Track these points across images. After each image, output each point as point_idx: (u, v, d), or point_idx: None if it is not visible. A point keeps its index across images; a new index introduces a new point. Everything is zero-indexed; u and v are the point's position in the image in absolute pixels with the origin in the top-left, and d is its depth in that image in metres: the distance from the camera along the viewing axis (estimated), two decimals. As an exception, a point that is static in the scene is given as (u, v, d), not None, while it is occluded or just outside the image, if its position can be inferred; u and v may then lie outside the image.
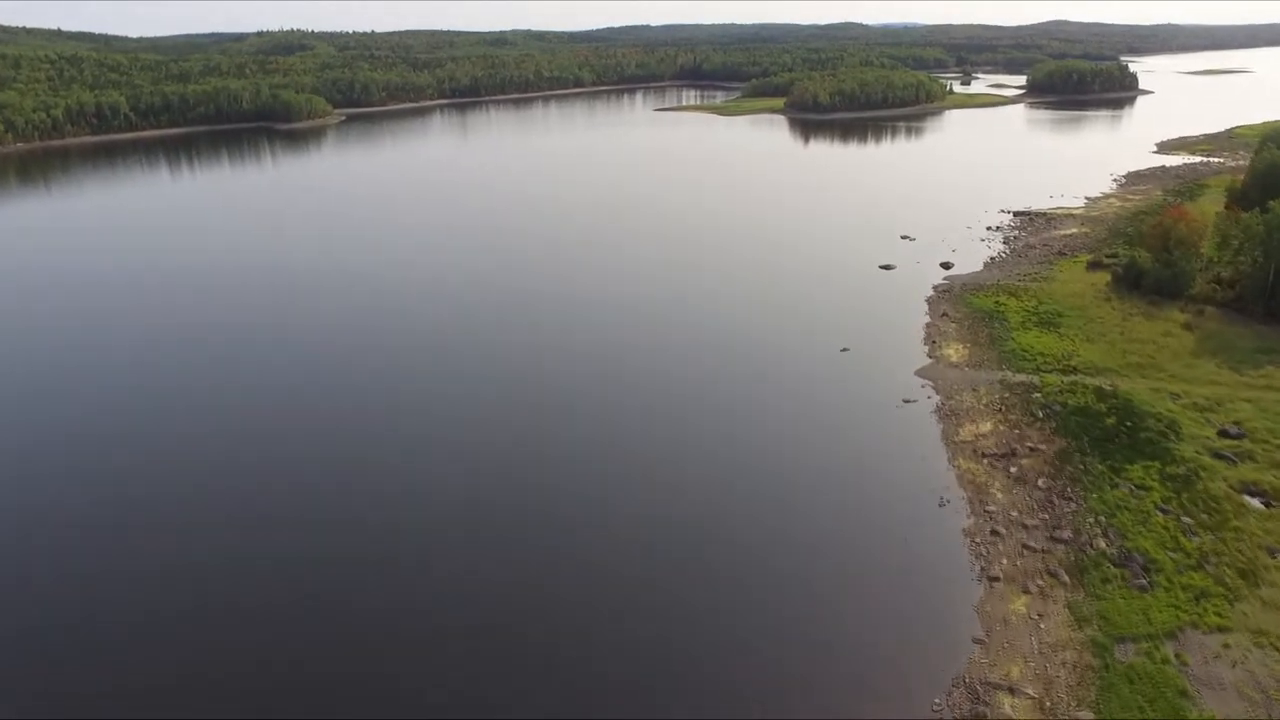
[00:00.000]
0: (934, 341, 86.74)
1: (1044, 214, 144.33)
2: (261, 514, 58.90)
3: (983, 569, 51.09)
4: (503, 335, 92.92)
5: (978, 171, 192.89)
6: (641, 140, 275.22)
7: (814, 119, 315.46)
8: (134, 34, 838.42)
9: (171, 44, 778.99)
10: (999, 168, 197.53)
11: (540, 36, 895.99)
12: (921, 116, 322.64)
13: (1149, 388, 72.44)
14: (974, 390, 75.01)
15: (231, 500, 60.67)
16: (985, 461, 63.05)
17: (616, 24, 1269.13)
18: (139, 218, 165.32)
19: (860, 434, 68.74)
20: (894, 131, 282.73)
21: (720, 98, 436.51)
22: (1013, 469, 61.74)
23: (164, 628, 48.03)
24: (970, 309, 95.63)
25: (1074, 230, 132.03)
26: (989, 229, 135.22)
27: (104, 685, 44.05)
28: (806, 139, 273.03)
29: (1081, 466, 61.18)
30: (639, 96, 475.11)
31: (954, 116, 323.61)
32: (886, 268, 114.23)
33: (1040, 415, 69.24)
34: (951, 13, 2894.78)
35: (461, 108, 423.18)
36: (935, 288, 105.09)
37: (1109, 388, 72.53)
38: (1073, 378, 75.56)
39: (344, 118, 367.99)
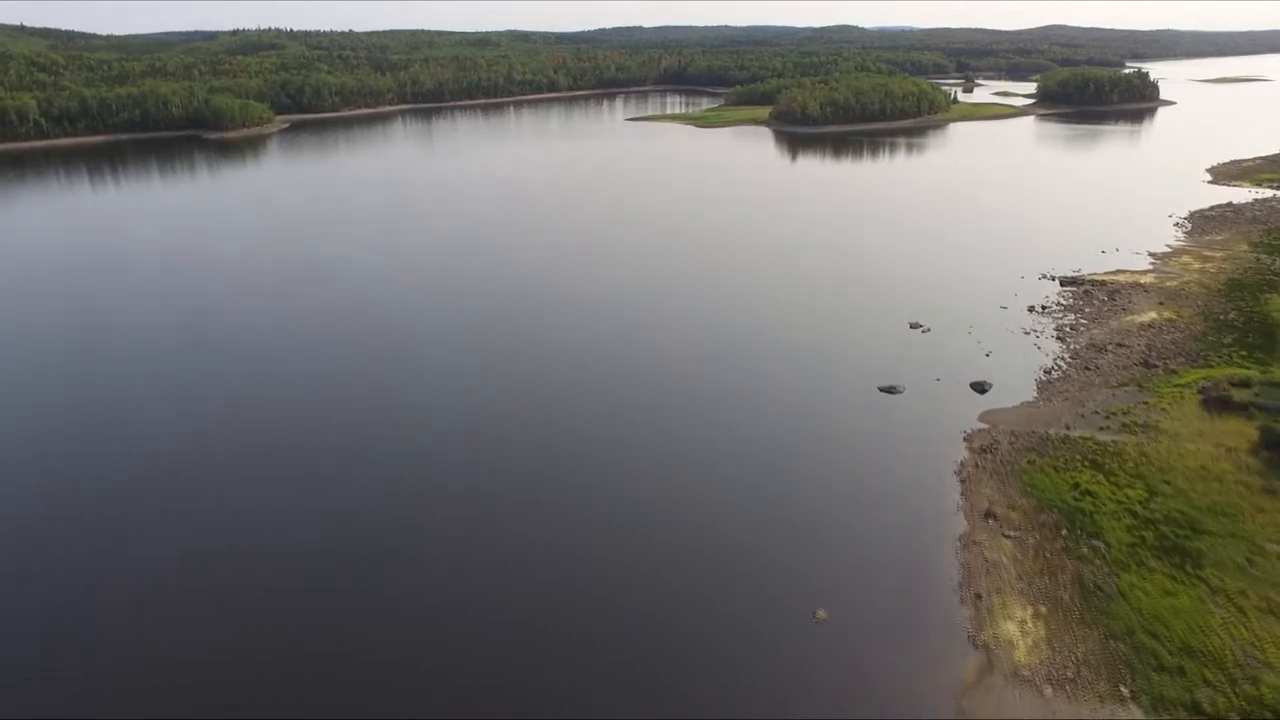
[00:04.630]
0: (978, 598, 47.65)
1: (1102, 282, 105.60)
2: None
3: None
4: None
5: (1000, 210, 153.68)
6: (596, 158, 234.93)
7: (802, 132, 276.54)
8: (104, 31, 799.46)
9: (140, 42, 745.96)
10: (1025, 204, 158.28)
11: (525, 37, 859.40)
12: (923, 130, 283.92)
13: None
14: (1078, 776, 36.48)
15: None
16: None
17: (608, 25, 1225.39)
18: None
19: None
20: (892, 149, 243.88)
21: (705, 104, 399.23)
22: None
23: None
24: (1034, 500, 56.81)
25: (1152, 315, 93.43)
26: (1031, 310, 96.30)
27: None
28: (792, 157, 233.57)
29: None
30: (618, 102, 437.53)
31: (960, 130, 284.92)
32: (889, 391, 75.12)
33: None
34: (948, 16, 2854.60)
35: (425, 114, 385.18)
36: (968, 439, 66.11)
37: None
38: (1279, 742, 37.10)
39: (286, 125, 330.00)
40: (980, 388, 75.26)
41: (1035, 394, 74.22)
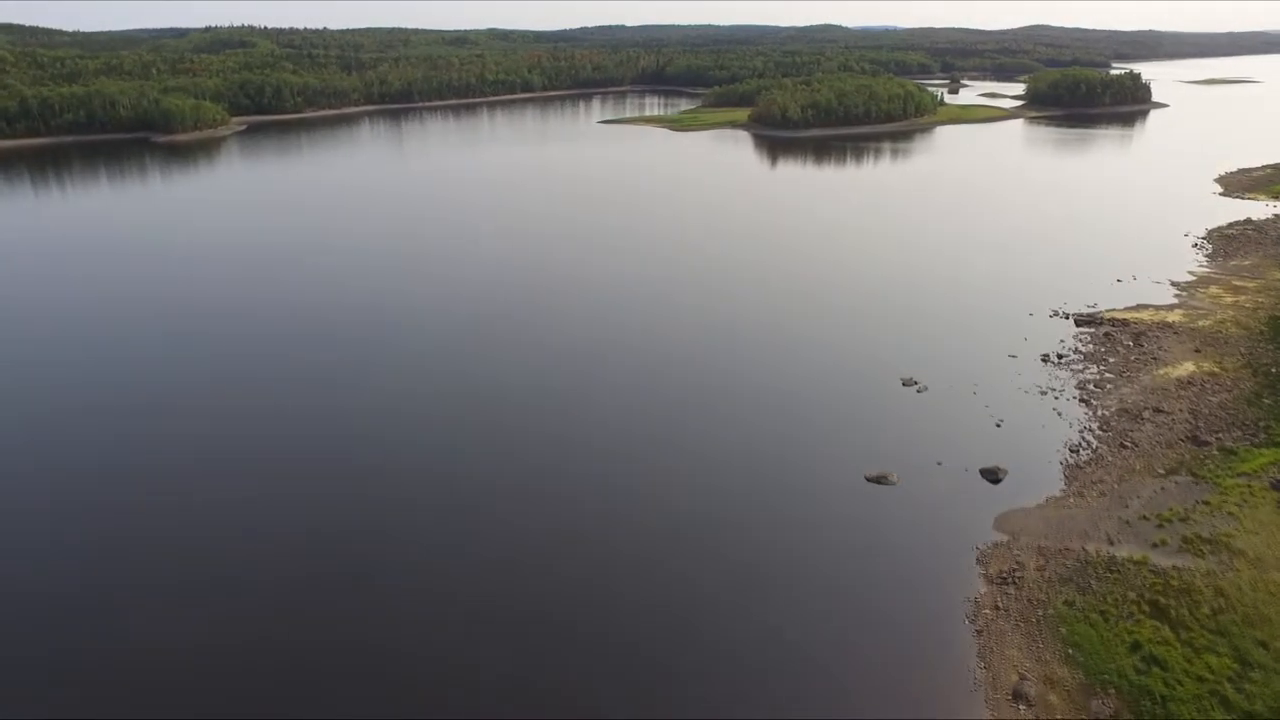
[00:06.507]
0: None
1: (1124, 322, 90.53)
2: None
3: None
4: None
5: (997, 228, 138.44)
6: (562, 164, 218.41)
7: (782, 136, 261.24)
8: (77, 29, 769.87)
9: (105, 39, 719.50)
10: (1024, 221, 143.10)
11: (505, 36, 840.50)
12: (909, 135, 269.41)
13: None
14: None
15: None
16: None
17: (591, 24, 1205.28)
18: None
19: None
20: (877, 155, 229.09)
21: (684, 105, 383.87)
22: None
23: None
24: (1080, 671, 41.17)
25: (1190, 366, 78.39)
26: (1046, 360, 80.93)
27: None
28: (770, 164, 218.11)
29: None
30: (594, 103, 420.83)
31: (947, 135, 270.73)
32: (879, 481, 59.42)
33: None
34: (931, 16, 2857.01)
35: (393, 115, 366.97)
36: (982, 560, 50.31)
37: None
38: None
39: (244, 127, 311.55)
40: (993, 476, 59.62)
41: (1063, 484, 58.62)
